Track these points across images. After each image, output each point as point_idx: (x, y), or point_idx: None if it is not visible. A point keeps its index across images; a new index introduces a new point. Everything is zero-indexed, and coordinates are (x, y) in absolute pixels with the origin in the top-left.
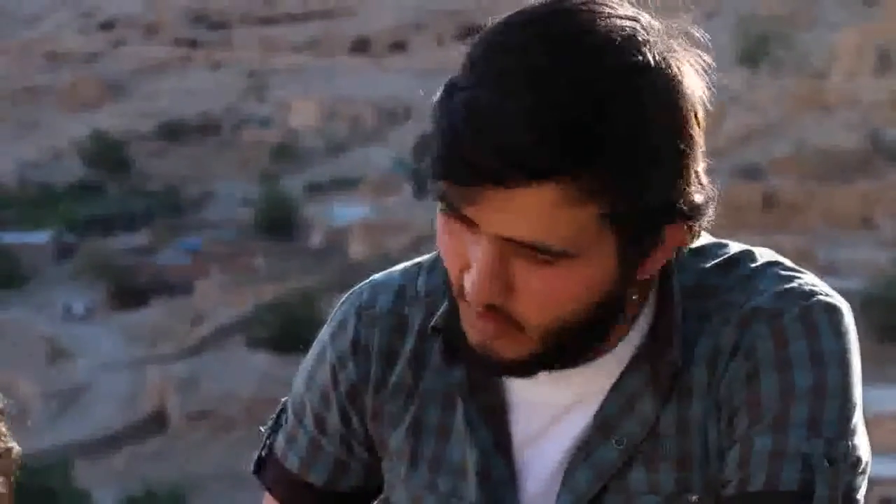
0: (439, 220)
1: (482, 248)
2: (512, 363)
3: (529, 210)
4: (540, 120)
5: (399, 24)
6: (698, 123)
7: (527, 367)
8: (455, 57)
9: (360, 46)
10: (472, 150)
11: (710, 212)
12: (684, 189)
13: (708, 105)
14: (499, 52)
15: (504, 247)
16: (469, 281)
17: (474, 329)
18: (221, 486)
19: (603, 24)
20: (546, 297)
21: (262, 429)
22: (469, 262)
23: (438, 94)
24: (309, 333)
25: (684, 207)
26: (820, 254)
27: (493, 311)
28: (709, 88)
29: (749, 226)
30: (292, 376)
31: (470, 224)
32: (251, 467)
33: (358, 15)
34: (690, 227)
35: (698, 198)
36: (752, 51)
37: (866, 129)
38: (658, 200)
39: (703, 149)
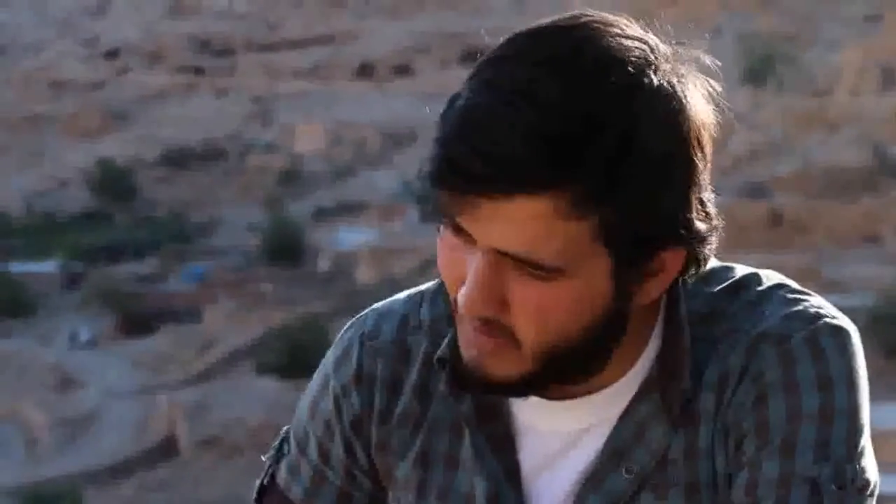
0: (439, 238)
1: (477, 261)
2: (503, 382)
3: (521, 222)
4: (534, 131)
5: (402, 48)
6: (702, 149)
7: (518, 387)
8: (459, 79)
9: (364, 71)
10: (465, 157)
11: (713, 241)
12: (684, 214)
13: (713, 133)
14: (499, 63)
15: (498, 260)
16: (461, 293)
17: (468, 345)
18: None
19: (610, 42)
20: (539, 312)
21: (263, 457)
22: (465, 276)
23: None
24: (316, 359)
25: (684, 233)
26: (825, 271)
27: (488, 325)
28: (717, 115)
29: (754, 244)
30: (299, 402)
31: (467, 238)
32: (253, 496)
33: (361, 39)
34: (691, 255)
35: (700, 225)
36: (756, 70)
37: (870, 146)
38: (654, 222)
39: (709, 176)
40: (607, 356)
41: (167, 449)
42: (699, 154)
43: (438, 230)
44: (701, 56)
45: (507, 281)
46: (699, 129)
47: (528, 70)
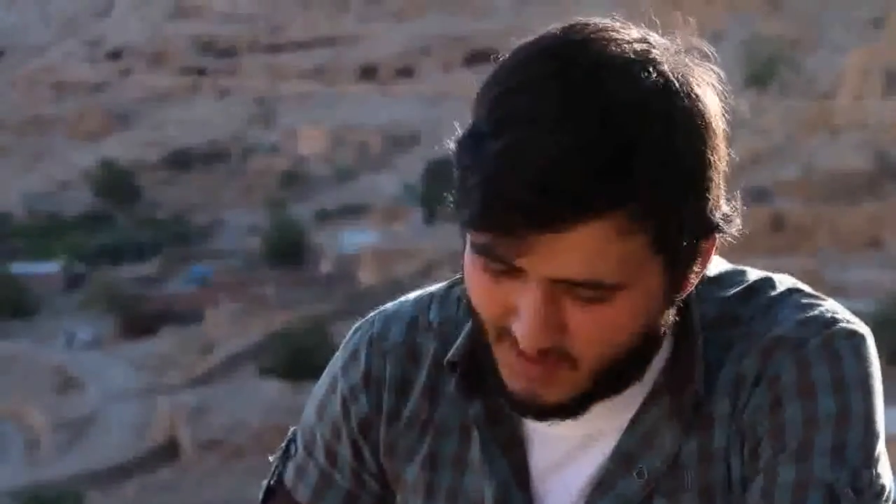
0: (473, 266)
1: (533, 295)
2: (559, 405)
3: (581, 249)
4: (581, 159)
5: (405, 50)
6: (721, 134)
7: (574, 408)
8: (462, 82)
9: (367, 73)
10: (519, 197)
11: (738, 221)
12: (717, 201)
13: (726, 115)
14: (522, 92)
15: (553, 288)
16: (520, 329)
17: (518, 374)
18: None
19: (617, 50)
20: (600, 331)
21: (270, 458)
22: (513, 307)
23: (460, 139)
24: (319, 361)
25: (718, 219)
26: (828, 276)
27: (544, 353)
28: (722, 100)
29: (757, 248)
30: (303, 405)
31: (515, 270)
32: (260, 496)
33: (364, 41)
34: (719, 239)
35: (727, 207)
36: (759, 74)
37: (874, 151)
38: (697, 217)
39: (727, 159)
40: (650, 361)
41: (169, 451)
42: (720, 139)
43: (468, 256)
44: (697, 43)
45: (564, 307)
46: (715, 116)
47: (556, 97)
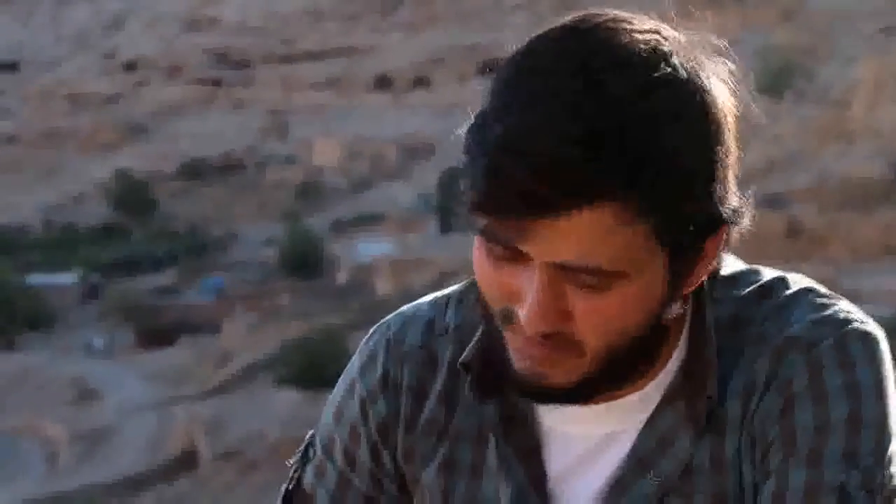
0: (479, 250)
1: (536, 279)
2: (563, 389)
3: (584, 235)
4: (586, 146)
5: (419, 61)
6: (730, 129)
7: (578, 392)
8: (477, 92)
9: (381, 84)
10: (519, 182)
11: (747, 217)
12: (724, 196)
13: (736, 110)
14: (528, 78)
15: (557, 273)
16: (523, 313)
17: (525, 356)
18: None
19: (627, 40)
20: (603, 318)
21: (288, 462)
22: (517, 291)
23: (468, 125)
24: (335, 372)
25: (726, 213)
26: (844, 283)
27: (548, 337)
28: (735, 95)
29: (772, 256)
30: (319, 415)
31: (518, 254)
32: (279, 500)
33: (378, 52)
34: (729, 233)
35: (735, 202)
36: (773, 82)
37: (888, 159)
38: (703, 210)
39: (737, 154)
40: (658, 353)
41: (186, 462)
42: (729, 133)
43: (476, 241)
44: (710, 38)
45: (567, 292)
46: (725, 110)
47: (561, 84)
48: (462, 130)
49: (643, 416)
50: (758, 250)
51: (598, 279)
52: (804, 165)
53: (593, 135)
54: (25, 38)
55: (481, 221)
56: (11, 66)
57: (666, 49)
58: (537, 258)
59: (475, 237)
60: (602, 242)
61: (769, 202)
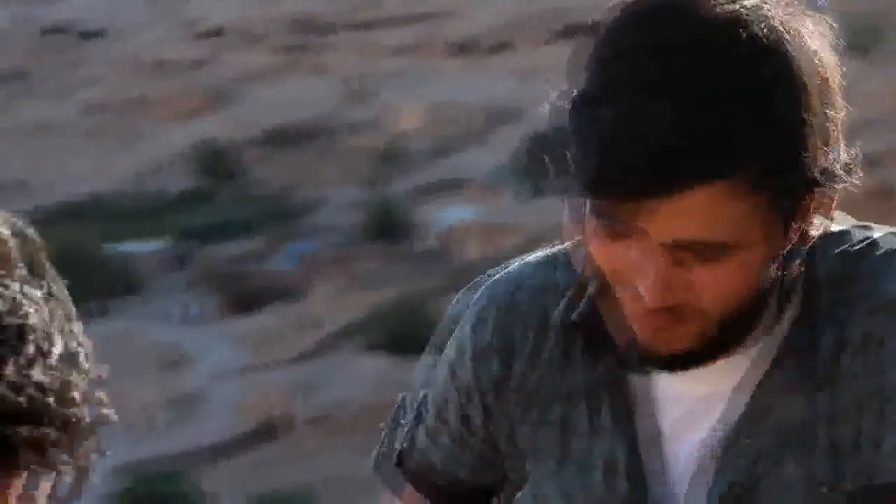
0: (594, 228)
1: (656, 257)
2: (687, 352)
3: (702, 211)
4: (697, 122)
5: (502, 24)
6: (835, 85)
7: (701, 355)
8: (561, 55)
9: (463, 48)
10: (640, 165)
11: (857, 172)
12: (836, 154)
13: (836, 62)
14: (626, 56)
15: (676, 249)
16: (645, 288)
17: (647, 326)
18: (344, 489)
19: (729, 8)
20: (724, 286)
21: (381, 425)
22: (637, 266)
23: (570, 101)
24: (423, 337)
25: (838, 172)
26: None
27: (670, 310)
28: (836, 50)
29: (865, 217)
30: (408, 379)
31: (634, 231)
32: (371, 465)
33: (460, 16)
34: (836, 192)
35: (845, 156)
36: (861, 42)
37: None
38: (817, 172)
39: (842, 106)
40: (764, 313)
41: (276, 426)
42: (834, 88)
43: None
44: None
45: (687, 265)
46: (827, 64)
47: (665, 60)
48: (552, 99)
49: (757, 372)
50: (850, 211)
51: (717, 251)
52: (894, 126)
53: (705, 114)
54: (110, 5)
55: (597, 202)
56: (98, 34)
57: (769, 13)
58: (657, 236)
59: (571, 208)
60: (720, 217)
61: (862, 163)
